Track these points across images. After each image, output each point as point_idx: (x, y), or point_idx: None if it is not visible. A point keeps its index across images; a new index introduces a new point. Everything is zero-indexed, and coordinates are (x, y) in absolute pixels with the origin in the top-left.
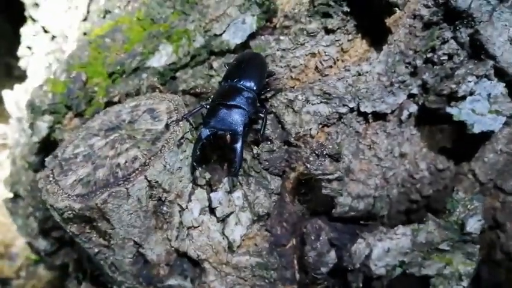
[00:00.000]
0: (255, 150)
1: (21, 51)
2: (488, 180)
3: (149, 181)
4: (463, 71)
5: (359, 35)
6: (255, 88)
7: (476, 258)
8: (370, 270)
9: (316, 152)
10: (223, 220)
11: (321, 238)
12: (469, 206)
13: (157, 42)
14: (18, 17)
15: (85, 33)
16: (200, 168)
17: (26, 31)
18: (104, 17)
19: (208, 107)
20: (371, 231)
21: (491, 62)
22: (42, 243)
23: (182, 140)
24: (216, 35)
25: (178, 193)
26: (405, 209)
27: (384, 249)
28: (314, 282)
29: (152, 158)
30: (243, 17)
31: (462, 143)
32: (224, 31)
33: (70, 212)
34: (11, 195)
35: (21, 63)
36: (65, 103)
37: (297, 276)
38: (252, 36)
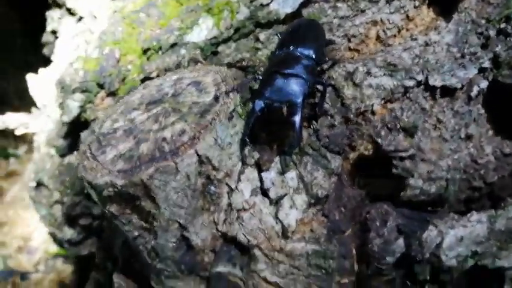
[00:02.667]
0: (314, 125)
1: (45, 37)
2: None
3: (199, 156)
4: None
5: (426, 1)
6: (313, 56)
7: None
8: (440, 260)
9: (389, 126)
10: (276, 202)
11: (388, 224)
12: None
13: (196, 16)
14: None
15: (115, 12)
16: (250, 146)
17: (51, 14)
18: None
19: (261, 77)
20: (441, 218)
21: None
22: (68, 232)
23: (233, 113)
24: (262, 5)
25: (228, 172)
26: (466, 197)
27: (456, 237)
28: (377, 274)
29: (202, 131)
30: None
31: None
32: (272, 0)
33: (110, 190)
34: (34, 184)
35: (45, 51)
36: (97, 81)
37: (356, 267)
38: (305, 4)
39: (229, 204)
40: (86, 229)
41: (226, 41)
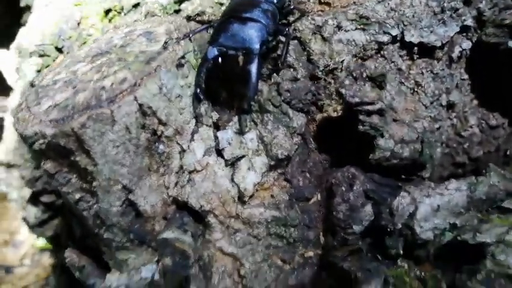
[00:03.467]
0: (274, 79)
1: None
2: None
3: (140, 104)
4: None
5: None
6: (275, 1)
7: None
8: (414, 233)
9: (354, 74)
10: (232, 164)
11: (354, 188)
12: None
13: None
14: None
15: None
16: (206, 103)
17: None
18: None
19: (216, 24)
20: (415, 185)
21: None
22: (31, 211)
23: (182, 61)
24: None
25: (178, 129)
26: (449, 174)
27: (432, 207)
28: (343, 245)
29: (144, 77)
30: None
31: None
32: None
33: (41, 142)
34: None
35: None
36: (56, 45)
37: (322, 239)
38: None
39: (181, 166)
40: (49, 207)
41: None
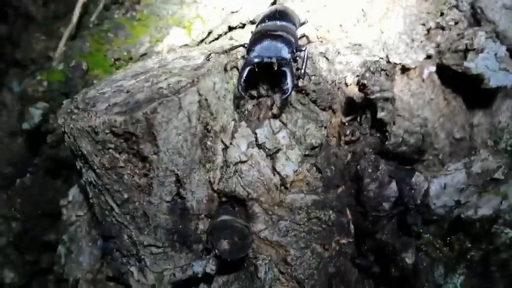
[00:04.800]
0: (300, 83)
1: None
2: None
3: (200, 95)
4: (471, 31)
5: None
6: (295, 26)
7: None
8: (430, 209)
9: (372, 69)
10: (272, 156)
11: (380, 168)
12: None
13: (165, 31)
14: None
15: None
16: (244, 100)
17: None
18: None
19: (249, 41)
20: (424, 168)
21: (492, 26)
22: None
23: (228, 66)
24: (233, 12)
25: (223, 126)
26: None
27: (441, 185)
28: (374, 225)
29: (199, 77)
30: None
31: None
32: (242, 7)
33: (107, 131)
34: None
35: None
36: (62, 90)
37: (352, 227)
38: (273, 4)
39: (225, 162)
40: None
41: (199, 43)
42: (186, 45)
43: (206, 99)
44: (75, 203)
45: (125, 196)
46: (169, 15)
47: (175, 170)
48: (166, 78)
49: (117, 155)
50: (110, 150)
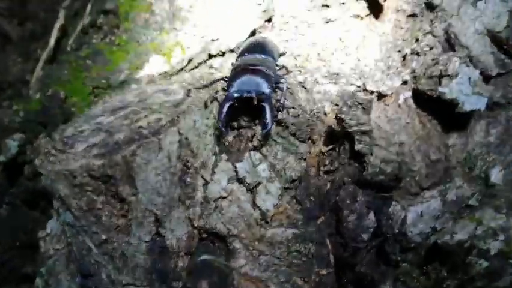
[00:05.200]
0: (280, 115)
1: None
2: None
3: (180, 134)
4: (445, 56)
5: (356, 24)
6: (274, 58)
7: (504, 210)
8: (407, 237)
9: (349, 103)
10: (252, 190)
11: (358, 199)
12: (487, 159)
13: (145, 57)
14: None
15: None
16: (224, 135)
17: None
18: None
19: (230, 75)
20: (400, 196)
21: (466, 51)
22: None
23: (208, 102)
24: (213, 40)
25: (203, 162)
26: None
27: (417, 213)
28: (354, 257)
29: (179, 115)
30: (241, 19)
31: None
32: (221, 36)
33: (85, 175)
34: None
35: None
36: (39, 120)
37: (332, 258)
38: (252, 34)
39: (205, 197)
40: None
41: (179, 71)
42: (166, 72)
43: (186, 138)
44: (53, 235)
45: (103, 237)
46: (149, 41)
47: (154, 209)
48: (146, 116)
49: (95, 197)
50: (88, 193)
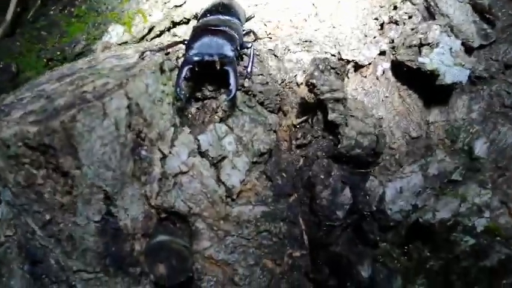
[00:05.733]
0: (246, 83)
1: None
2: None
3: (129, 99)
4: (425, 25)
5: None
6: (239, 20)
7: (490, 185)
8: (386, 215)
9: (320, 67)
10: (216, 165)
11: (332, 174)
12: (471, 130)
13: (103, 28)
14: None
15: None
16: (184, 104)
17: None
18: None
19: (189, 37)
20: (380, 172)
21: (446, 19)
22: None
23: (164, 66)
24: (176, 6)
25: (160, 133)
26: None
27: (396, 189)
28: (329, 236)
29: (129, 79)
30: None
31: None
32: (185, 1)
33: (20, 144)
34: None
35: None
36: None
37: (305, 238)
38: None
39: (163, 173)
40: None
41: (140, 40)
42: (126, 42)
43: (137, 104)
44: (3, 221)
45: (47, 217)
46: (108, 11)
47: (102, 185)
48: (92, 81)
49: (34, 171)
50: (26, 166)
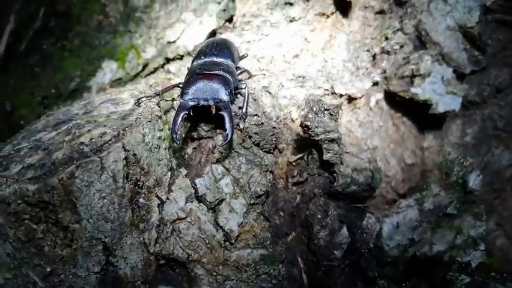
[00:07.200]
0: (242, 124)
1: None
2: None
3: (127, 151)
4: (416, 55)
5: (321, 22)
6: (233, 62)
7: (484, 217)
8: (383, 251)
9: (314, 109)
10: (214, 209)
11: (329, 213)
12: (464, 163)
13: (97, 63)
14: None
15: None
16: (179, 148)
17: None
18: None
19: (184, 82)
20: (374, 208)
21: (438, 48)
22: None
23: (160, 113)
24: (170, 42)
25: (157, 179)
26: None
27: (393, 225)
28: (328, 276)
29: (126, 129)
30: (199, 19)
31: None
32: (179, 37)
33: (20, 202)
34: None
35: None
36: None
37: (305, 277)
38: (212, 35)
39: (161, 220)
40: None
41: (134, 77)
42: (120, 79)
43: (134, 154)
44: (2, 264)
45: (48, 269)
46: (101, 46)
47: (101, 237)
48: (89, 130)
49: (34, 226)
50: (26, 221)
